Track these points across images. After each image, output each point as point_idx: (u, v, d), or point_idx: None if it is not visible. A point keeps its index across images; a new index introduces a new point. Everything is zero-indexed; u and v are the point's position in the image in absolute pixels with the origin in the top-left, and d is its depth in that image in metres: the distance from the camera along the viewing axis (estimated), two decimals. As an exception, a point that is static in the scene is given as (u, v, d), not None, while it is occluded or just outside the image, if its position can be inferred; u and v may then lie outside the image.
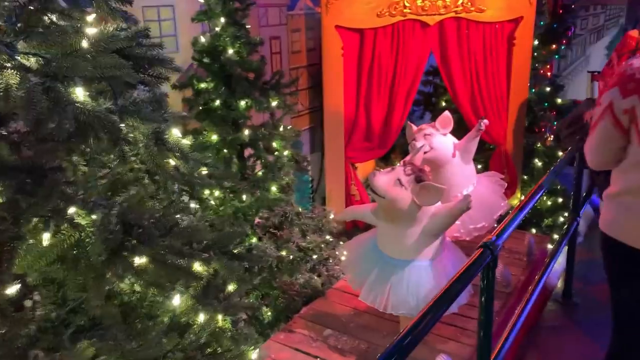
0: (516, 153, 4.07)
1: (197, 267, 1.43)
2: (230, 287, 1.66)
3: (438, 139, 3.17)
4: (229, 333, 1.52)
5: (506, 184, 3.32)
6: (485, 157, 4.24)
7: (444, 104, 4.49)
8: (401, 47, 3.86)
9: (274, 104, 2.67)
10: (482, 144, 4.24)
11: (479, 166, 4.24)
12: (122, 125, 1.22)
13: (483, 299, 1.94)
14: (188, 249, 1.46)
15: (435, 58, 4.01)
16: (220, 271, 1.47)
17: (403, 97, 4.02)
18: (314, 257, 3.11)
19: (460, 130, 4.16)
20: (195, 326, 1.41)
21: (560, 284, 3.80)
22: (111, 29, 1.33)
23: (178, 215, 1.50)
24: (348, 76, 3.88)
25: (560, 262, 3.67)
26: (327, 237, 3.41)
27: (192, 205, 1.66)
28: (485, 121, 3.03)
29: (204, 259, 1.38)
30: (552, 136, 4.51)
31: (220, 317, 1.54)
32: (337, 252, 3.27)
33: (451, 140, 3.22)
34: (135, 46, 1.38)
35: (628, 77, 1.81)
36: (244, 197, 2.63)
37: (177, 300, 1.40)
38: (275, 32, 3.57)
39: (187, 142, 1.53)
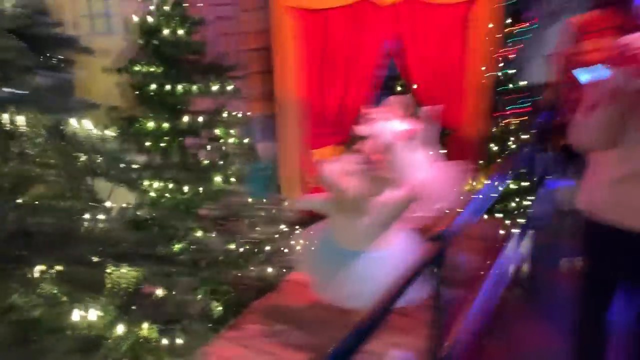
0: (474, 138, 4.01)
1: (112, 274, 1.27)
2: (160, 292, 1.52)
3: (381, 125, 3.09)
4: (154, 343, 1.38)
5: (467, 174, 3.24)
6: (443, 142, 4.17)
7: (401, 88, 4.38)
8: (356, 29, 3.72)
9: (215, 88, 2.50)
10: (441, 128, 4.17)
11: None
12: (5, 115, 1.05)
13: (434, 287, 1.89)
14: (108, 251, 1.31)
15: (392, 41, 3.89)
16: (146, 277, 1.32)
17: (359, 81, 3.90)
18: (267, 248, 2.97)
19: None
20: (110, 340, 1.26)
21: (519, 269, 3.79)
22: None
23: (98, 216, 1.34)
24: (302, 59, 3.73)
25: (520, 246, 3.65)
26: (282, 226, 3.27)
27: (108, 204, 1.49)
28: (438, 107, 2.95)
29: (115, 265, 1.22)
30: (511, 120, 4.46)
31: (145, 325, 1.40)
32: (293, 242, 3.14)
33: (399, 126, 3.13)
34: (33, 26, 1.19)
35: (638, 57, 1.77)
36: (186, 188, 2.46)
37: (90, 313, 1.24)
38: (223, 12, 3.37)
39: (98, 133, 1.37)
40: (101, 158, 1.20)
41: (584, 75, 2.16)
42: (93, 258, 1.28)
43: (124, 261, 1.30)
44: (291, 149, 3.88)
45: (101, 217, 1.33)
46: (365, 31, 3.75)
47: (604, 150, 1.95)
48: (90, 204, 1.34)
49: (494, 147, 4.28)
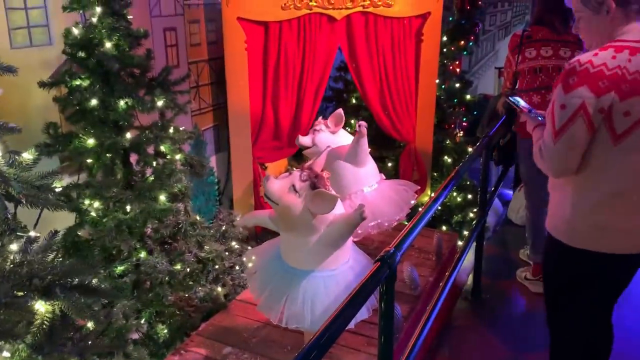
0: (426, 150, 4.04)
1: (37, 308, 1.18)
2: (90, 325, 1.43)
3: (325, 136, 3.07)
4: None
5: (415, 196, 3.22)
6: (395, 155, 4.19)
7: (354, 100, 4.38)
8: (308, 41, 3.69)
9: (159, 103, 2.41)
10: (392, 141, 4.20)
11: (390, 164, 4.19)
12: None
13: (383, 306, 1.87)
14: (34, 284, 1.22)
15: (344, 54, 3.89)
16: (66, 311, 1.23)
17: (312, 94, 3.87)
18: (216, 267, 2.89)
19: (370, 127, 4.08)
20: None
21: (469, 281, 3.83)
22: None
23: (14, 247, 1.25)
24: (253, 71, 3.67)
25: (469, 258, 3.68)
26: (233, 243, 3.20)
27: (32, 233, 1.40)
28: (363, 123, 2.95)
29: (28, 301, 1.13)
30: (461, 132, 4.53)
31: (72, 362, 1.31)
32: (244, 259, 3.07)
33: (341, 139, 3.12)
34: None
35: (596, 75, 1.74)
36: (128, 207, 2.36)
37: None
38: (170, 23, 3.28)
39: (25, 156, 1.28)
40: (14, 184, 1.12)
41: (521, 100, 2.19)
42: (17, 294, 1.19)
43: (48, 294, 1.22)
44: (243, 163, 3.81)
45: (16, 247, 1.23)
46: (317, 43, 3.72)
47: (574, 176, 1.91)
48: (9, 234, 1.25)
49: (448, 160, 4.34)
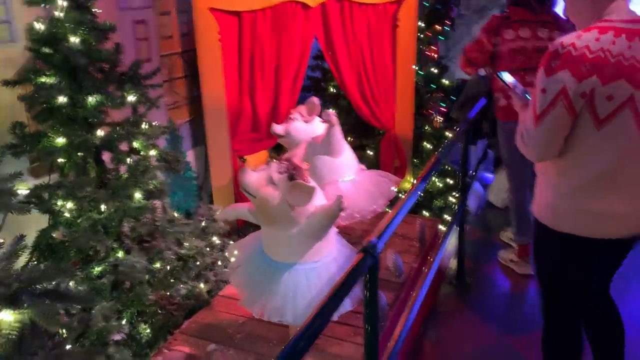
0: (406, 137, 4.02)
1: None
2: (64, 332, 1.38)
3: (299, 126, 3.03)
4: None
5: (395, 187, 3.20)
6: (375, 143, 4.16)
7: (332, 89, 4.34)
8: (283, 30, 3.63)
9: (130, 98, 2.34)
10: (372, 129, 4.17)
11: (370, 153, 4.16)
12: None
13: (367, 295, 1.83)
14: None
15: (319, 42, 3.83)
16: (35, 319, 1.18)
17: (289, 84, 3.81)
18: (197, 263, 2.83)
19: (349, 116, 4.05)
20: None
21: (453, 266, 3.83)
22: None
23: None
24: (228, 63, 3.59)
25: (452, 243, 3.69)
26: (214, 238, 3.15)
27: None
28: (332, 112, 2.93)
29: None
30: (440, 118, 4.52)
31: (46, 372, 1.26)
32: (226, 254, 3.02)
33: (316, 128, 3.08)
34: None
35: (578, 59, 1.71)
36: (103, 207, 2.30)
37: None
38: (140, 16, 3.18)
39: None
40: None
41: (508, 76, 2.16)
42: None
43: (15, 303, 1.16)
44: (222, 156, 3.74)
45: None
46: (293, 32, 3.66)
47: (556, 159, 1.89)
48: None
49: (428, 146, 4.32)
